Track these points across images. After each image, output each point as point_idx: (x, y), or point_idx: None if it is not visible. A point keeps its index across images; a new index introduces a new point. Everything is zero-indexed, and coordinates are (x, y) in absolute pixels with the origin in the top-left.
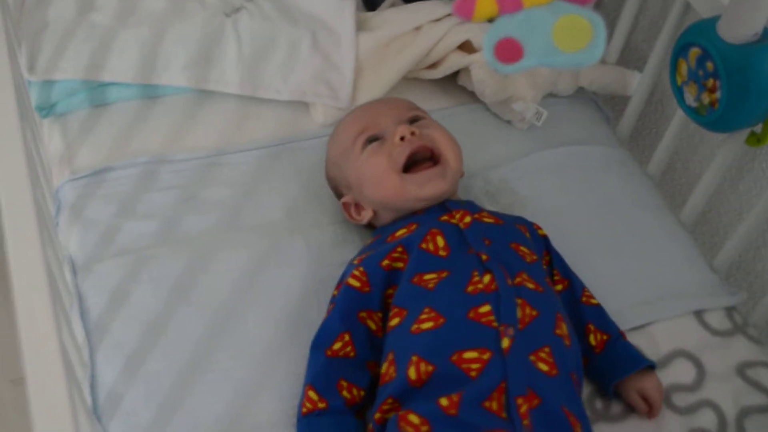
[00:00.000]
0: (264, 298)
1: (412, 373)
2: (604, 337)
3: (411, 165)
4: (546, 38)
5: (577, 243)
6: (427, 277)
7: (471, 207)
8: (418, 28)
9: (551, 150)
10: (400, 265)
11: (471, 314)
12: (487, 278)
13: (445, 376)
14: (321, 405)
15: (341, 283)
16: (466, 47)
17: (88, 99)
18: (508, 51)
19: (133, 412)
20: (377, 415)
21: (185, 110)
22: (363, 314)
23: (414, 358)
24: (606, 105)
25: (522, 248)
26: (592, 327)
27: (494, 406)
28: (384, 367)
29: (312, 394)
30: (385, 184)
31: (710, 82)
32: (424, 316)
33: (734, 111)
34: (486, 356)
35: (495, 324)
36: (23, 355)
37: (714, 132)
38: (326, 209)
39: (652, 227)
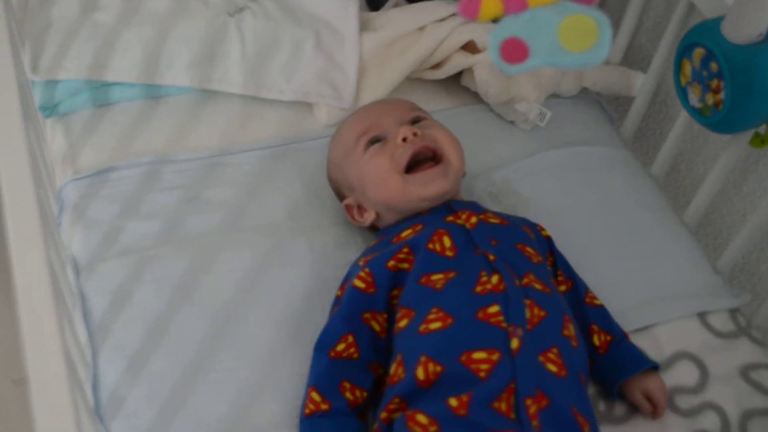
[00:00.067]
0: (267, 298)
1: (420, 373)
2: (608, 338)
3: (413, 165)
4: (551, 38)
5: (581, 244)
6: (435, 277)
7: (476, 207)
8: (421, 29)
9: (554, 151)
10: (405, 266)
11: (480, 314)
12: (495, 278)
13: (453, 377)
14: (324, 406)
15: (345, 283)
16: (470, 47)
17: (91, 99)
18: (514, 51)
19: (136, 413)
20: (383, 415)
21: (188, 110)
22: (367, 315)
23: (422, 359)
24: (610, 106)
25: (528, 249)
26: (595, 328)
27: (503, 406)
28: (393, 368)
29: (315, 395)
30: (387, 185)
31: (714, 82)
32: (432, 316)
33: (738, 112)
34: (495, 357)
35: (504, 324)
36: (25, 355)
37: (718, 133)
38: (329, 210)
39: (655, 228)
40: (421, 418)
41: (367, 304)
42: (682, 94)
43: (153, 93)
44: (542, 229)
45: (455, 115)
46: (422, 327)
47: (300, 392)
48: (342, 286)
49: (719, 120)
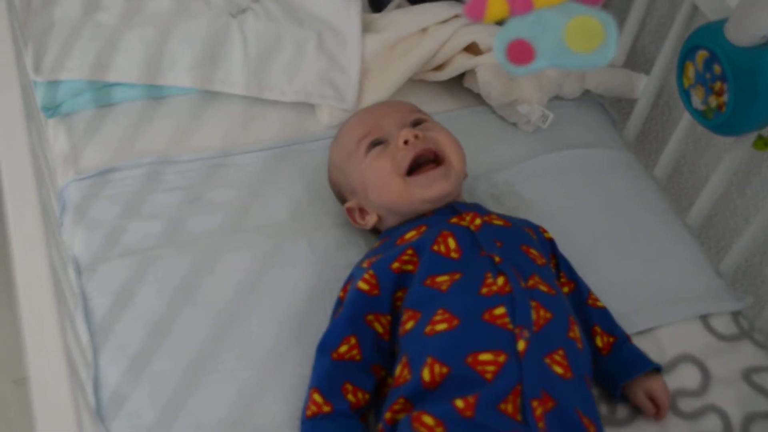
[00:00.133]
0: (269, 299)
1: (426, 374)
2: (611, 340)
3: (414, 168)
4: (558, 39)
5: (582, 246)
6: (440, 279)
7: (480, 209)
8: (424, 30)
9: (557, 153)
10: (410, 267)
11: (486, 316)
12: (500, 280)
13: (459, 378)
14: (326, 408)
15: (348, 285)
16: (472, 49)
17: (93, 99)
18: (520, 52)
19: (137, 413)
20: (388, 415)
21: (190, 111)
22: (370, 317)
23: (429, 360)
24: (612, 108)
25: (532, 251)
26: (598, 329)
27: (509, 408)
28: (398, 370)
29: (317, 396)
30: (389, 188)
31: (717, 85)
32: (438, 318)
33: (741, 114)
34: (501, 359)
35: (510, 326)
36: (27, 355)
37: (721, 135)
38: (331, 211)
39: (657, 231)
40: (427, 419)
41: (371, 306)
42: (685, 96)
43: (155, 94)
44: (545, 231)
45: (457, 116)
46: (428, 328)
47: (301, 393)
48: (345, 288)
49: (722, 122)
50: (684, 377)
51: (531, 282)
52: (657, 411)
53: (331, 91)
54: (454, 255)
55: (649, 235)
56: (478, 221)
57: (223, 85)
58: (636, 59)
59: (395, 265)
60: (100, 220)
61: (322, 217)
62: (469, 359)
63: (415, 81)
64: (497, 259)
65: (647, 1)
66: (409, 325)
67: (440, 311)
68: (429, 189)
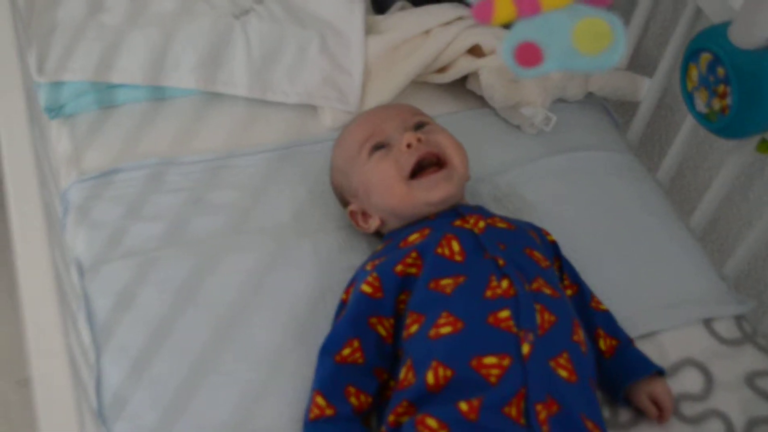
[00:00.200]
0: (271, 301)
1: (430, 377)
2: (614, 343)
3: (417, 171)
4: (566, 42)
5: (585, 249)
6: (444, 282)
7: (483, 212)
8: (427, 32)
9: (560, 155)
10: (414, 270)
11: (490, 319)
12: (505, 283)
13: (463, 381)
14: (329, 411)
15: (351, 288)
16: (476, 51)
17: (96, 100)
18: (528, 55)
19: (139, 415)
20: (391, 418)
21: (193, 112)
22: (374, 320)
23: (433, 363)
24: (615, 110)
25: (536, 254)
26: (601, 332)
27: (513, 412)
28: (402, 373)
29: (320, 399)
30: (392, 191)
31: (721, 87)
32: (442, 321)
33: (745, 117)
34: (506, 362)
35: (515, 329)
36: (29, 356)
37: (724, 138)
38: (334, 213)
39: (660, 234)
40: (431, 422)
41: (374, 309)
42: (689, 99)
43: (158, 95)
44: (548, 233)
45: (461, 119)
46: (432, 332)
47: (303, 396)
48: (347, 290)
49: (725, 125)
50: (687, 381)
51: (535, 285)
52: (660, 414)
53: (334, 93)
54: (458, 258)
55: (652, 238)
56: (481, 224)
57: (226, 87)
58: (639, 62)
59: (399, 267)
60: (102, 222)
61: (325, 219)
62: (474, 362)
63: (418, 83)
64: (501, 262)
65: (651, 4)
66: (414, 328)
67: (444, 314)
68: (432, 192)
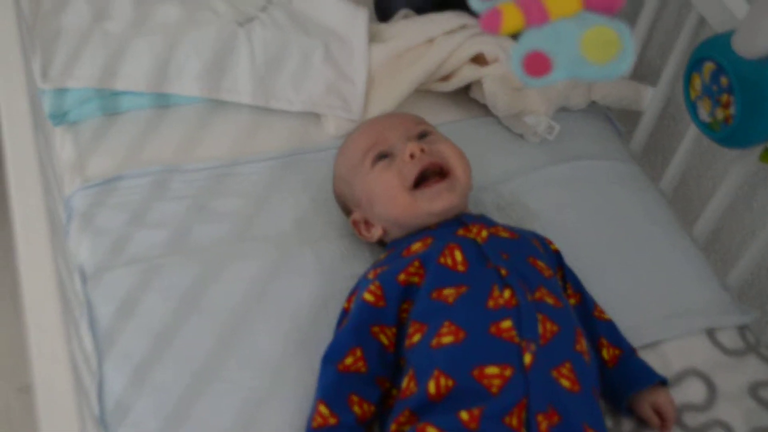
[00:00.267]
0: (274, 309)
1: (431, 387)
2: (617, 352)
3: (420, 180)
4: (574, 50)
5: (588, 258)
6: (447, 291)
7: (486, 221)
8: (431, 40)
9: (563, 164)
10: (416, 279)
11: (492, 329)
12: (507, 293)
13: (465, 391)
14: (332, 420)
15: (353, 296)
16: (479, 60)
17: (100, 107)
18: (537, 64)
19: (141, 422)
20: (393, 427)
21: (197, 120)
22: (376, 329)
23: (435, 372)
24: (619, 119)
25: (539, 263)
26: (604, 341)
27: (514, 422)
28: (404, 382)
29: (323, 408)
30: (395, 201)
31: (724, 97)
32: (444, 330)
33: (748, 126)
34: (507, 372)
35: (516, 339)
36: (32, 362)
37: (728, 148)
38: (336, 221)
39: (663, 244)
40: (433, 431)
41: (376, 318)
42: (692, 108)
43: (162, 102)
44: (551, 242)
45: (464, 127)
46: (434, 341)
47: (306, 404)
48: (350, 299)
49: (729, 135)
50: (690, 391)
51: (538, 294)
52: (663, 424)
53: (338, 101)
54: (460, 268)
55: (655, 247)
56: (484, 233)
57: (230, 95)
58: (642, 71)
59: (401, 276)
60: (106, 229)
61: (328, 228)
62: (475, 372)
63: (422, 91)
64: (504, 271)
65: (654, 13)
66: (416, 337)
67: (447, 324)
68: (435, 202)
